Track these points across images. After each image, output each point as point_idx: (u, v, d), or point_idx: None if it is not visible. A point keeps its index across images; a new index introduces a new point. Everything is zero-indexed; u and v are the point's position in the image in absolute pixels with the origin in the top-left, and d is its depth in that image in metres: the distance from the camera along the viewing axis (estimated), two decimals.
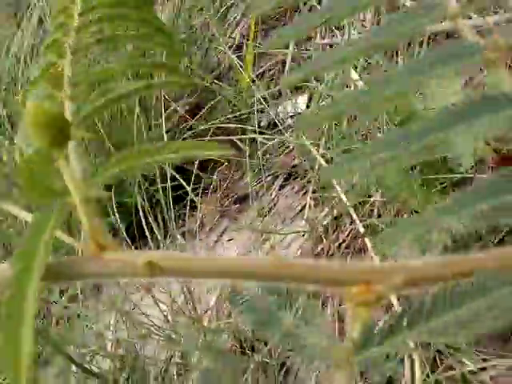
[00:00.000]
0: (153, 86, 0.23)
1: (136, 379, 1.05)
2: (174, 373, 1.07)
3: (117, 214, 1.18)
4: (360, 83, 1.11)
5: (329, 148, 1.16)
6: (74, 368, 0.98)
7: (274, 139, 1.23)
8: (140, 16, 0.26)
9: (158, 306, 1.05)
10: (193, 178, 1.36)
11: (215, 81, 1.36)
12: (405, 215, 0.97)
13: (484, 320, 0.14)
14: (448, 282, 0.16)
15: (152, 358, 1.09)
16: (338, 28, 1.46)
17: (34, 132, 0.14)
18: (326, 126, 1.18)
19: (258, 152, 1.29)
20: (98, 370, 1.09)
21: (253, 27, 1.29)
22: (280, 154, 1.36)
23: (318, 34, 1.57)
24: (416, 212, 0.90)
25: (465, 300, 0.15)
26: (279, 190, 1.34)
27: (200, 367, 1.01)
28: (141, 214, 1.22)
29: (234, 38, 1.45)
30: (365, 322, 0.15)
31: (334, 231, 1.09)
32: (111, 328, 1.14)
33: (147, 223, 1.22)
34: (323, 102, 1.31)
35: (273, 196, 1.33)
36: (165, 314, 1.07)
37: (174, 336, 1.06)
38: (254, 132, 1.28)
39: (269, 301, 0.17)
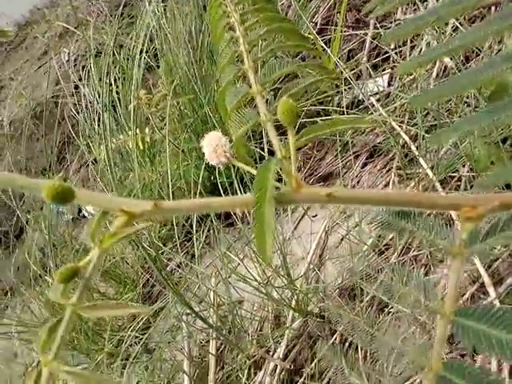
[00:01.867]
0: (312, 84, 0.33)
1: (234, 337, 1.19)
2: (269, 331, 1.20)
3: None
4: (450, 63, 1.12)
5: (414, 125, 1.19)
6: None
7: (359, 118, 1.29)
8: (288, 27, 0.37)
9: (255, 270, 1.18)
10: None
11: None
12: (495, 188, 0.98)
13: None
14: None
15: (248, 318, 1.24)
16: (421, 0, 1.44)
17: (283, 117, 0.25)
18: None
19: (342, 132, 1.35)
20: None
21: (342, 13, 1.35)
22: (362, 133, 1.41)
23: (399, 9, 1.56)
24: (507, 185, 0.92)
25: None
26: (362, 167, 1.40)
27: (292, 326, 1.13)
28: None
29: (316, 23, 1.52)
30: (471, 230, 0.24)
31: None
32: (212, 291, 1.31)
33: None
34: (405, 81, 1.33)
35: (356, 174, 1.39)
36: (260, 279, 1.20)
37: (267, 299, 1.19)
38: (337, 112, 1.35)
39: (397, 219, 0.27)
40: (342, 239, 1.24)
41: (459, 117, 1.08)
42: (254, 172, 0.27)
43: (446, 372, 0.24)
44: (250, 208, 0.26)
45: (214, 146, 0.27)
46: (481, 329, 0.22)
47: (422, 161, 1.11)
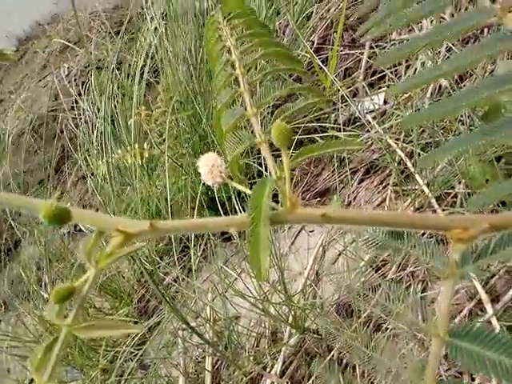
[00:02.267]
0: (305, 107, 0.34)
1: (231, 353, 1.18)
2: (266, 347, 1.19)
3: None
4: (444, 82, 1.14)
5: (410, 142, 1.21)
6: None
7: (355, 135, 1.30)
8: (282, 51, 0.38)
9: (252, 286, 1.18)
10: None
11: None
12: (490, 205, 0.99)
13: None
14: None
15: (245, 333, 1.23)
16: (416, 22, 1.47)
17: (277, 139, 0.26)
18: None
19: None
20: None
21: (339, 33, 1.37)
22: (359, 150, 1.42)
23: (395, 31, 1.60)
24: (502, 202, 0.93)
25: None
26: (358, 183, 1.41)
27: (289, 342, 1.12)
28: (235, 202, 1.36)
29: (313, 42, 1.54)
30: (462, 251, 0.25)
31: None
32: (208, 306, 1.30)
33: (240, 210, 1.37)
34: (401, 99, 1.35)
35: (352, 189, 1.40)
36: (257, 294, 1.19)
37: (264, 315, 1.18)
38: (334, 129, 1.36)
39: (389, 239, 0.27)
40: (339, 255, 1.24)
41: (454, 135, 1.10)
42: (250, 192, 0.28)
43: None
44: (246, 228, 0.26)
45: (209, 167, 0.27)
46: (474, 350, 0.22)
47: (418, 177, 1.12)
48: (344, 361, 1.00)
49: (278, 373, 1.07)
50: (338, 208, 0.25)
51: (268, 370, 1.10)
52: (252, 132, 0.32)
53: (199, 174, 0.29)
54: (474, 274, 0.23)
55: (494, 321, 0.87)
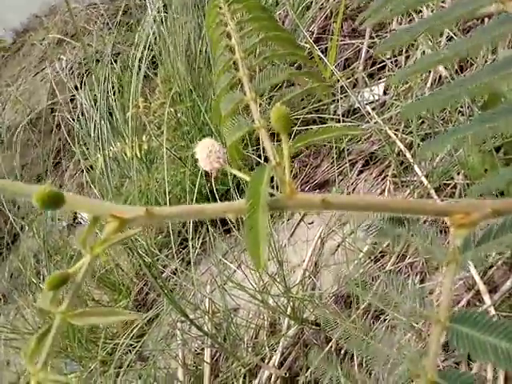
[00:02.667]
0: (306, 91, 0.33)
1: (230, 344, 1.18)
2: (264, 338, 1.20)
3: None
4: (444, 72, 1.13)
5: (409, 133, 1.20)
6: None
7: (355, 126, 1.30)
8: (283, 36, 0.37)
9: (251, 278, 1.18)
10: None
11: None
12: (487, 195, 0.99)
13: None
14: None
15: (243, 325, 1.23)
16: (416, 11, 1.46)
17: (276, 124, 0.25)
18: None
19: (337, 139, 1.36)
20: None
21: (338, 23, 1.36)
22: (358, 141, 1.41)
23: (394, 20, 1.58)
24: (501, 192, 0.92)
25: None
26: (358, 175, 1.40)
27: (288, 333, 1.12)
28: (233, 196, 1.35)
29: (313, 32, 1.53)
30: (464, 237, 0.24)
31: None
32: (207, 298, 1.30)
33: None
34: (400, 90, 1.34)
35: (351, 181, 1.39)
36: (256, 286, 1.19)
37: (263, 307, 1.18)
38: (333, 120, 1.35)
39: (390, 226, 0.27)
40: (337, 246, 1.23)
41: (453, 125, 1.09)
42: (248, 178, 0.27)
43: (441, 380, 0.23)
44: (244, 214, 0.26)
45: (207, 152, 0.27)
46: (475, 335, 0.22)
47: (416, 168, 1.12)
48: (342, 351, 1.00)
49: (276, 364, 1.07)
50: (337, 194, 0.25)
51: (266, 361, 1.10)
52: (251, 118, 0.31)
53: (198, 165, 0.29)
54: (474, 263, 0.23)
55: (492, 311, 0.87)
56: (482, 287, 0.90)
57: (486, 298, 0.89)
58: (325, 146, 1.42)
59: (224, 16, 0.41)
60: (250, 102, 0.31)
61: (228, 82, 0.33)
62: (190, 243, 1.36)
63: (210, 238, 1.44)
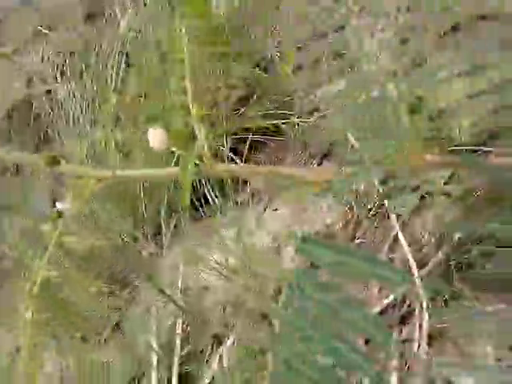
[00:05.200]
0: None
1: (199, 323, 1.31)
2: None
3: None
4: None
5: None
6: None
7: (310, 123, 1.43)
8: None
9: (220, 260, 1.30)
10: (243, 158, 1.60)
11: (262, 73, 1.57)
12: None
13: None
14: None
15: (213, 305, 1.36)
16: None
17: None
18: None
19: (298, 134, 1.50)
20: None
21: None
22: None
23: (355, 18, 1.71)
24: None
25: None
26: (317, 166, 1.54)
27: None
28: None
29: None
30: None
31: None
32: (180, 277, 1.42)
33: (210, 195, 1.50)
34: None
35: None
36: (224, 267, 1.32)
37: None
38: (295, 116, 1.48)
39: None
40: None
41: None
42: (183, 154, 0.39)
43: None
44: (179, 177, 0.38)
45: (154, 137, 0.39)
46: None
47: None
48: None
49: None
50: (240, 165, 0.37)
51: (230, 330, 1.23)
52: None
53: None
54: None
55: None
56: None
57: None
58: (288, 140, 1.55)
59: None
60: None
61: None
62: (163, 229, 1.48)
63: (181, 225, 1.56)
